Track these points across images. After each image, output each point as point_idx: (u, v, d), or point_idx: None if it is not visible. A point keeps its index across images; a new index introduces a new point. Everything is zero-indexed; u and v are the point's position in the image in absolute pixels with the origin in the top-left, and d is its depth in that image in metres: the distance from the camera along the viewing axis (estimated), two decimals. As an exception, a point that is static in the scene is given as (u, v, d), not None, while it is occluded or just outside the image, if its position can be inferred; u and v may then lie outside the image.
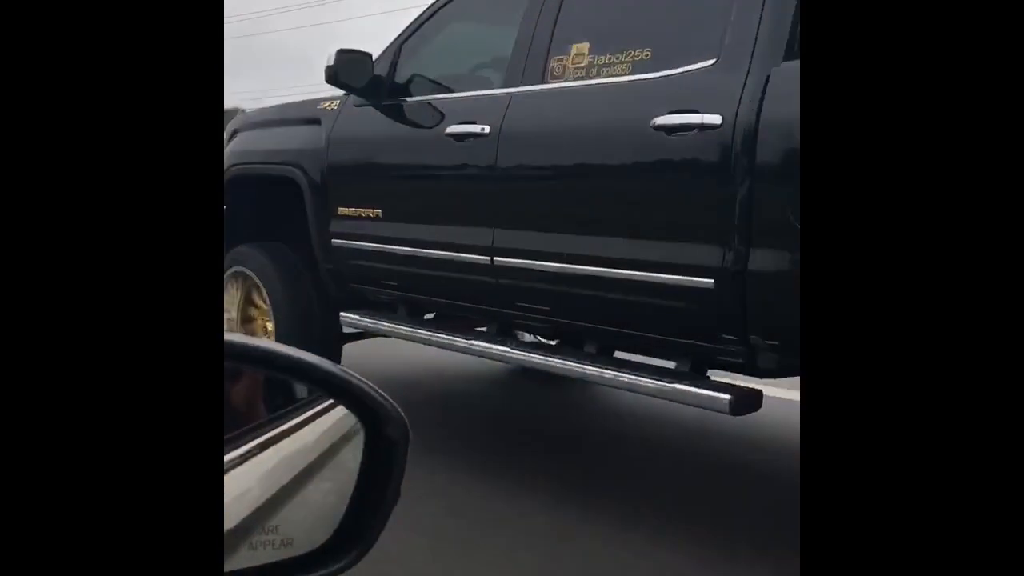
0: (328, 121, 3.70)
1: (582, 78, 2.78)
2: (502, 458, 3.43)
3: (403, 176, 3.42)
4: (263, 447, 0.75)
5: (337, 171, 3.61)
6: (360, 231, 3.51)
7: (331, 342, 3.80)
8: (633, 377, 2.57)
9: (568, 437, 3.85)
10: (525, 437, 3.83)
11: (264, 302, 3.90)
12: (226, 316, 4.11)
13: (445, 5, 3.48)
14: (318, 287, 3.80)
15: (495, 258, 2.96)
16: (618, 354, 2.95)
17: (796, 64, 2.26)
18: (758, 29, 2.34)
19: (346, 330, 3.77)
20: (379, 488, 0.73)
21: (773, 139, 2.24)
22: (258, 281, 3.89)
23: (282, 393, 0.78)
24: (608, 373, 2.66)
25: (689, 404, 2.48)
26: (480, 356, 3.22)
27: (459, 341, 3.20)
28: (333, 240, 3.64)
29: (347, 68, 3.36)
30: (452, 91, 3.38)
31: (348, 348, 3.93)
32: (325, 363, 0.74)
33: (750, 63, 2.32)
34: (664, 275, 2.48)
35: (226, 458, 0.69)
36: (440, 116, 3.22)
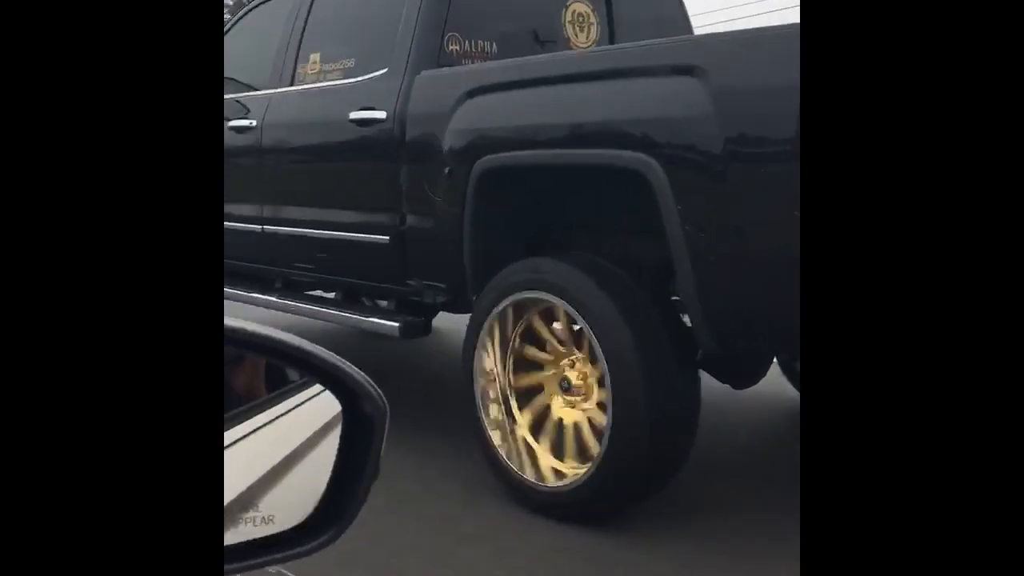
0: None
1: (315, 81, 3.51)
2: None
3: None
4: (252, 430, 0.74)
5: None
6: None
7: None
8: (337, 314, 3.36)
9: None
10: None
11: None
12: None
13: (241, 19, 4.20)
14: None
15: (264, 227, 3.71)
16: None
17: (431, 72, 3.00)
18: (411, 46, 3.08)
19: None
20: (357, 465, 0.73)
21: (413, 129, 2.99)
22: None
23: (280, 374, 0.78)
24: (324, 311, 3.45)
25: (373, 331, 3.25)
26: (254, 305, 3.97)
27: (246, 294, 3.96)
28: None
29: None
30: (252, 90, 4.10)
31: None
32: (301, 342, 0.73)
33: (405, 71, 3.06)
34: (364, 235, 3.23)
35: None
36: (232, 112, 3.94)
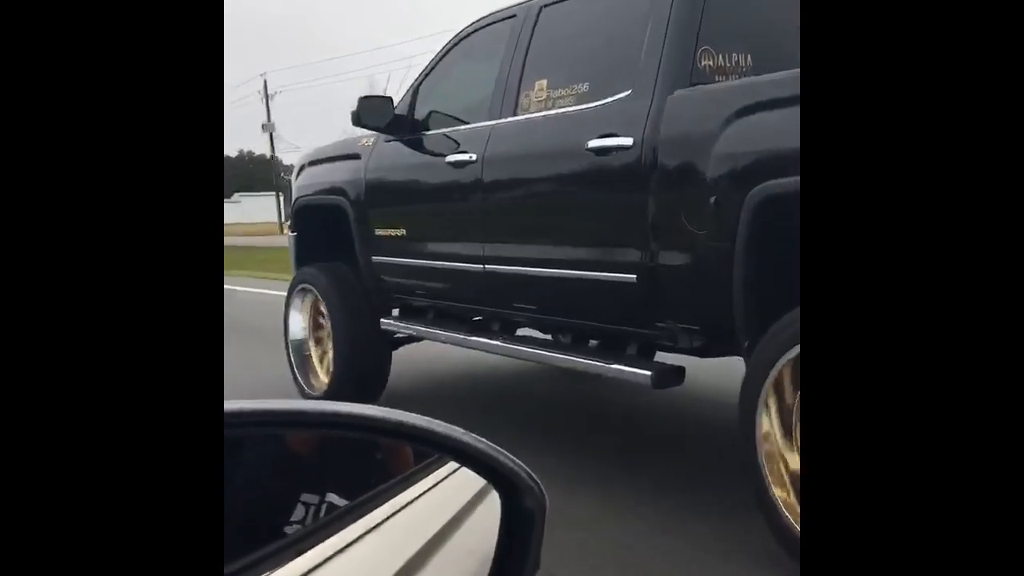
0: (365, 156, 4.31)
1: (542, 110, 3.26)
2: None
3: (419, 200, 3.98)
4: (394, 511, 0.72)
5: (372, 198, 4.21)
6: (392, 248, 4.10)
7: (381, 346, 4.39)
8: (576, 359, 3.05)
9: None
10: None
11: (325, 314, 4.53)
12: (299, 326, 4.79)
13: (450, 50, 4.03)
14: (368, 299, 4.38)
15: (486, 266, 3.48)
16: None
17: (687, 91, 2.68)
18: (660, 63, 2.76)
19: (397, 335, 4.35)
20: (518, 559, 0.71)
21: (668, 155, 2.66)
22: (319, 296, 4.53)
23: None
24: (560, 357, 3.14)
25: (621, 379, 2.92)
26: (475, 349, 3.74)
27: (464, 337, 3.74)
28: (373, 257, 4.24)
29: (369, 111, 3.95)
30: (464, 123, 3.90)
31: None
32: (461, 433, 0.71)
33: (654, 92, 2.75)
34: (605, 273, 2.93)
35: (359, 523, 0.68)
36: (445, 147, 3.76)
